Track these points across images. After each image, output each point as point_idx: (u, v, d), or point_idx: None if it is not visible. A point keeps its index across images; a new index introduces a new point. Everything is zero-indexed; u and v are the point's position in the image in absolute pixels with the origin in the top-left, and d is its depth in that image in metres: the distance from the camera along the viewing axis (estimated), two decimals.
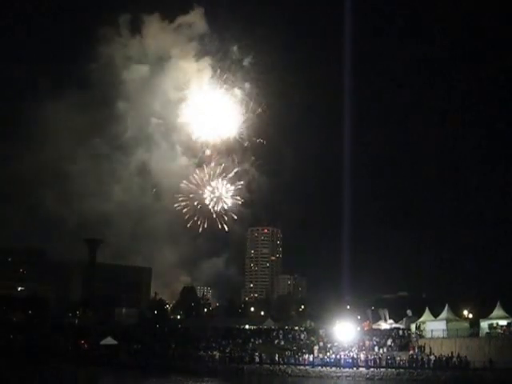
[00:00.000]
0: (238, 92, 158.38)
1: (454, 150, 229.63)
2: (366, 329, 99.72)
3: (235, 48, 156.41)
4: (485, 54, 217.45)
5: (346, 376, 77.67)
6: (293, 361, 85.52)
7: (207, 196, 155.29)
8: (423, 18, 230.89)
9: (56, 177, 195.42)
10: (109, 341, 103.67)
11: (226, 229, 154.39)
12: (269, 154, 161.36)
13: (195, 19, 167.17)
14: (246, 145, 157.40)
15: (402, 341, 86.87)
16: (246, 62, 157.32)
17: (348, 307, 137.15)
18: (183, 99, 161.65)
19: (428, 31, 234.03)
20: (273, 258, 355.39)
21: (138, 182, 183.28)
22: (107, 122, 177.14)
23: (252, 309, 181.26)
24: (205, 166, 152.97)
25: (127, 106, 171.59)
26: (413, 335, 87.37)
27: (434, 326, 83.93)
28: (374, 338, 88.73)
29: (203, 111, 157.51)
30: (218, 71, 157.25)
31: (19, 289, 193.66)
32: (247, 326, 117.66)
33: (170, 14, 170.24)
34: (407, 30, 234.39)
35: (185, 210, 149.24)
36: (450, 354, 75.96)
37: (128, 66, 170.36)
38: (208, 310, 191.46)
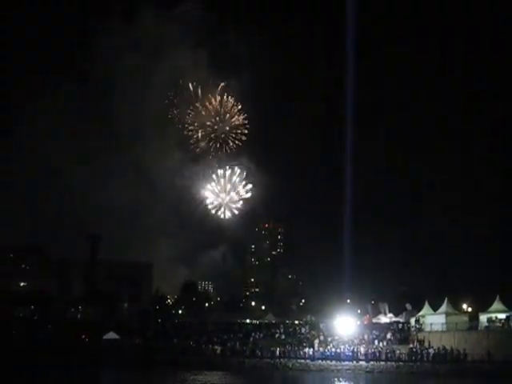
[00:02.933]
0: (234, 83, 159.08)
1: (454, 149, 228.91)
2: (365, 323, 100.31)
3: (233, 38, 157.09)
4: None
5: (346, 369, 78.32)
6: (293, 354, 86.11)
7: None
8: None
9: (51, 174, 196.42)
10: (111, 335, 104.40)
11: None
12: (266, 149, 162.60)
13: (192, 7, 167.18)
14: (242, 139, 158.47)
15: (402, 334, 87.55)
16: (243, 52, 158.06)
17: (348, 301, 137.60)
18: (178, 92, 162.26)
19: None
20: (273, 252, 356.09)
21: (133, 178, 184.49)
22: (101, 117, 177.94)
23: (253, 303, 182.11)
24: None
25: (121, 100, 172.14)
26: (412, 329, 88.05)
27: (433, 320, 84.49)
28: (374, 332, 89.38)
29: (199, 104, 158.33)
30: (215, 61, 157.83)
31: (21, 284, 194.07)
32: (248, 321, 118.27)
33: (166, 3, 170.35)
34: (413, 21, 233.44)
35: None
36: (449, 348, 76.77)
37: (122, 60, 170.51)
38: (209, 304, 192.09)
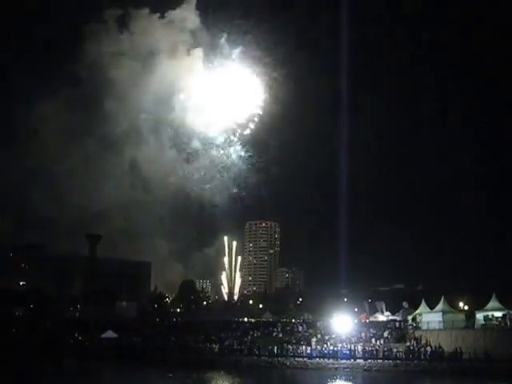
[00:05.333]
0: (229, 85, 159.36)
1: (451, 147, 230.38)
2: (363, 321, 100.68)
3: (225, 40, 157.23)
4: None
5: (344, 367, 78.38)
6: (291, 353, 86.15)
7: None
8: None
9: (49, 176, 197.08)
10: (109, 334, 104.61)
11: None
12: (259, 148, 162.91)
13: (186, 13, 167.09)
14: (236, 139, 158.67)
15: (399, 333, 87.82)
16: (235, 55, 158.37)
17: (345, 299, 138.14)
18: (173, 94, 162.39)
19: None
20: (271, 251, 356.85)
21: (129, 178, 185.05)
22: (97, 119, 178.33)
23: (250, 302, 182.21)
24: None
25: (117, 103, 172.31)
26: (409, 327, 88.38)
27: (430, 318, 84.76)
28: (371, 330, 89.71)
29: (194, 105, 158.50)
30: (209, 64, 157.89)
31: (21, 283, 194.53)
32: (246, 319, 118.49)
33: (159, 8, 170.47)
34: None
35: None
36: (446, 346, 77.05)
37: (117, 63, 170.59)
38: (207, 303, 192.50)
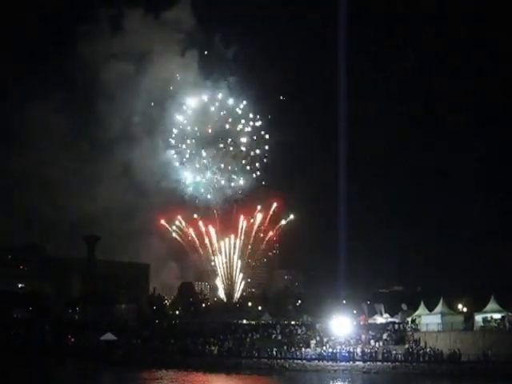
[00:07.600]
0: (223, 85, 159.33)
1: (450, 149, 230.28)
2: (362, 323, 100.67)
3: (220, 41, 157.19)
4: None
5: (343, 370, 78.50)
6: (290, 355, 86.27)
7: None
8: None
9: (46, 177, 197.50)
10: (108, 336, 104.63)
11: None
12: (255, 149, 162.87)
13: (181, 13, 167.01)
14: (230, 140, 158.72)
15: (398, 335, 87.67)
16: (230, 55, 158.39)
17: (344, 302, 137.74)
18: (167, 96, 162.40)
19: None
20: (270, 253, 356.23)
21: (123, 181, 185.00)
22: (90, 122, 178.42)
23: (249, 304, 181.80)
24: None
25: (110, 105, 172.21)
26: (408, 329, 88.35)
27: (428, 320, 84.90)
28: (370, 332, 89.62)
29: (188, 106, 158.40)
30: (204, 65, 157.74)
31: (20, 285, 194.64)
32: (245, 321, 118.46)
33: (154, 8, 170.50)
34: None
35: None
36: (444, 348, 76.95)
37: (111, 64, 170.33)
38: (206, 305, 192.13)
